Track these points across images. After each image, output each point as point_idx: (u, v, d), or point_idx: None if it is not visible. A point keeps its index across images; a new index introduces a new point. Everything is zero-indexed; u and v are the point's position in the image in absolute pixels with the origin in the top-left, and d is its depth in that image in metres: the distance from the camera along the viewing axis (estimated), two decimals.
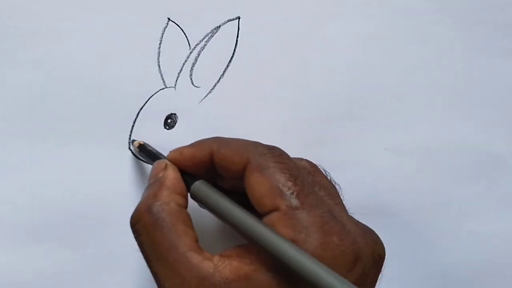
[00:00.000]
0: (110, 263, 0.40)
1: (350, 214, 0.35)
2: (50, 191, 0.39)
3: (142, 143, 0.39)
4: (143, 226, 0.33)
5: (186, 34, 0.41)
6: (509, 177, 0.46)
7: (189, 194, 0.35)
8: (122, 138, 0.40)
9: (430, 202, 0.45)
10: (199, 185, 0.34)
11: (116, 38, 0.40)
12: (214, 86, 0.41)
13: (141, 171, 0.41)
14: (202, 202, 0.34)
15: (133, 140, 0.40)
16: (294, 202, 0.31)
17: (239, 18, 0.41)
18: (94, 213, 0.40)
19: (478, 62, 0.45)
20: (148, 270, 0.40)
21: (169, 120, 0.41)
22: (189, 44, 0.41)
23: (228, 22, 0.41)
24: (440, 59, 0.45)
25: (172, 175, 0.35)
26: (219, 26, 0.41)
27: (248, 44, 0.42)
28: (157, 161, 0.37)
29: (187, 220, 0.33)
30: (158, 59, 0.40)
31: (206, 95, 0.41)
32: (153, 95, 0.40)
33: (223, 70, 0.41)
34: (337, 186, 0.37)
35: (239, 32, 0.42)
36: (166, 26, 0.40)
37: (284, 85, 0.43)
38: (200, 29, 0.41)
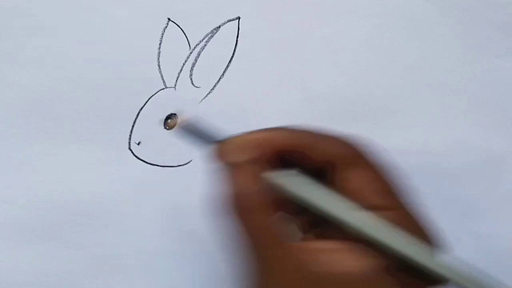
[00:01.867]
0: (110, 263, 0.40)
1: None
2: (50, 191, 0.39)
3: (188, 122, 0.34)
4: (243, 207, 0.30)
5: (186, 34, 0.41)
6: (510, 177, 0.46)
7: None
8: (122, 138, 0.40)
9: (430, 202, 0.45)
10: (297, 176, 0.31)
11: (116, 38, 0.40)
12: (214, 86, 0.41)
13: (141, 171, 0.41)
14: (294, 194, 0.31)
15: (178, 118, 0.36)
16: (383, 201, 0.31)
17: (239, 18, 0.41)
18: (94, 213, 0.40)
19: (478, 62, 0.45)
20: (147, 270, 0.40)
21: (169, 120, 0.41)
22: (189, 44, 0.41)
23: (228, 22, 0.41)
24: (440, 59, 0.45)
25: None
26: (219, 26, 0.41)
27: (248, 44, 0.42)
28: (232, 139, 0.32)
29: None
30: (158, 59, 0.40)
31: (206, 95, 0.41)
32: (153, 95, 0.40)
33: (223, 70, 0.41)
34: None
35: (239, 32, 0.42)
36: (166, 26, 0.40)
37: (284, 85, 0.43)
38: (200, 29, 0.41)
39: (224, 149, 0.32)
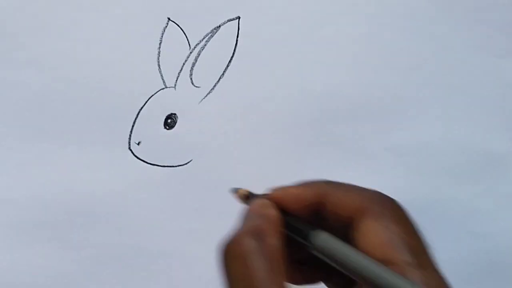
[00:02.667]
0: (110, 263, 0.40)
1: None
2: (50, 191, 0.39)
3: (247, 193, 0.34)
4: (241, 253, 0.29)
5: (186, 34, 0.41)
6: (509, 177, 0.46)
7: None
8: (122, 138, 0.40)
9: (430, 202, 0.45)
10: (326, 237, 0.30)
11: (116, 38, 0.40)
12: (214, 86, 0.41)
13: (141, 171, 0.41)
14: (328, 255, 0.30)
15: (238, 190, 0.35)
16: (409, 258, 0.29)
17: (239, 18, 0.41)
18: (94, 213, 0.40)
19: (478, 62, 0.45)
20: (147, 270, 0.40)
21: (169, 120, 0.41)
22: (189, 44, 0.41)
23: (228, 22, 0.41)
24: (440, 59, 0.45)
25: (274, 213, 0.31)
26: (219, 26, 0.41)
27: (248, 44, 0.42)
28: (260, 198, 0.33)
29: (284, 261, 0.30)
30: (158, 59, 0.40)
31: (206, 95, 0.41)
32: (153, 95, 0.40)
33: (223, 70, 0.41)
34: None
35: (239, 32, 0.42)
36: (166, 26, 0.40)
37: (284, 85, 0.43)
38: (200, 29, 0.41)
39: (257, 203, 0.32)
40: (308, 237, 0.30)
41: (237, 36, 0.41)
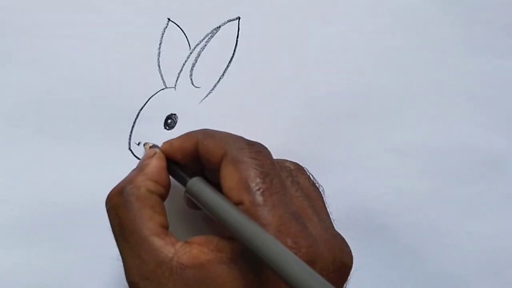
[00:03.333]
0: (110, 263, 0.40)
1: (330, 220, 0.35)
2: (50, 191, 0.39)
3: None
4: (113, 206, 0.34)
5: (186, 34, 0.41)
6: (509, 177, 0.46)
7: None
8: (122, 138, 0.40)
9: (430, 202, 0.45)
10: (194, 181, 0.34)
11: (116, 38, 0.40)
12: (214, 86, 0.41)
13: None
14: (194, 197, 0.34)
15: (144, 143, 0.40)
16: (258, 198, 0.32)
17: (239, 18, 0.41)
18: (94, 213, 0.40)
19: (478, 62, 0.45)
20: None
21: (169, 120, 0.41)
22: (189, 44, 0.41)
23: (228, 22, 0.41)
24: (440, 59, 0.45)
25: (154, 163, 0.36)
26: (219, 26, 0.41)
27: (248, 44, 0.42)
28: (149, 149, 0.38)
29: (157, 206, 0.34)
30: (158, 59, 0.40)
31: (206, 95, 0.41)
32: (153, 95, 0.40)
33: (223, 70, 0.41)
34: (320, 189, 0.37)
35: (239, 32, 0.42)
36: (166, 26, 0.40)
37: (284, 85, 0.43)
38: (200, 29, 0.41)
39: (144, 155, 0.37)
40: (185, 182, 0.35)
41: (237, 37, 0.41)
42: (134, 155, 0.40)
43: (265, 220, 0.31)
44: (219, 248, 0.32)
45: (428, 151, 0.45)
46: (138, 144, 0.40)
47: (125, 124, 0.40)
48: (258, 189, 0.32)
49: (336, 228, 0.35)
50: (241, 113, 0.42)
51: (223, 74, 0.41)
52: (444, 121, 0.45)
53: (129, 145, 0.40)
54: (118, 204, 0.34)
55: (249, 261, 0.31)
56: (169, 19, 0.40)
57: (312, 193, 0.36)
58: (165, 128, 0.41)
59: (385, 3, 0.44)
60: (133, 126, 0.40)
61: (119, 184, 0.35)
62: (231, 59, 0.41)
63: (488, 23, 0.45)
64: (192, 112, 0.41)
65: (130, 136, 0.40)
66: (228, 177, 0.33)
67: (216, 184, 0.34)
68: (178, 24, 0.40)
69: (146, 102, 0.40)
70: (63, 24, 0.39)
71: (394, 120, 0.44)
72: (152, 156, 0.36)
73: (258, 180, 0.32)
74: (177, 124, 0.41)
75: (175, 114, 0.41)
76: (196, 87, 0.41)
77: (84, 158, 0.40)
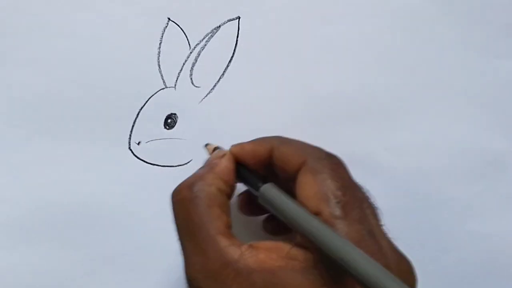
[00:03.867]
0: (110, 263, 0.40)
1: (391, 240, 0.34)
2: (50, 191, 0.39)
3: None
4: (181, 200, 0.34)
5: (186, 34, 0.41)
6: (509, 177, 0.46)
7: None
8: (122, 138, 0.40)
9: (430, 202, 0.45)
10: (268, 187, 0.34)
11: (116, 38, 0.40)
12: (214, 86, 0.41)
13: (141, 171, 0.41)
14: (269, 204, 0.34)
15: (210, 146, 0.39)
16: (337, 211, 0.31)
17: (239, 18, 0.41)
18: (94, 213, 0.40)
19: (478, 62, 0.45)
20: (147, 269, 0.40)
21: (169, 120, 0.41)
22: (189, 44, 0.41)
23: (228, 22, 0.41)
24: (440, 59, 0.45)
25: (224, 163, 0.35)
26: (219, 26, 0.41)
27: (248, 44, 0.42)
28: (217, 150, 0.37)
29: (224, 206, 0.34)
30: (158, 59, 0.40)
31: (206, 95, 0.41)
32: (153, 95, 0.40)
33: (223, 70, 0.41)
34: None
35: (239, 32, 0.42)
36: (166, 26, 0.40)
37: (284, 85, 0.43)
38: (200, 29, 0.41)
39: (213, 155, 0.37)
40: (257, 188, 0.34)
41: (237, 36, 0.41)
42: (134, 155, 0.40)
43: (344, 234, 0.30)
44: (291, 256, 0.31)
45: (428, 151, 0.45)
46: (138, 143, 0.40)
47: (125, 124, 0.40)
48: (338, 202, 0.31)
49: None
50: (241, 112, 0.42)
51: (223, 74, 0.41)
52: (444, 121, 0.45)
53: (129, 145, 0.40)
54: (186, 199, 0.33)
55: (324, 272, 0.30)
56: (169, 19, 0.40)
57: (377, 212, 0.35)
58: (165, 127, 0.41)
59: (385, 3, 0.44)
60: (133, 126, 0.40)
61: (188, 179, 0.35)
62: (231, 59, 0.41)
63: (488, 23, 0.45)
64: (192, 111, 0.41)
65: (130, 136, 0.40)
66: (307, 186, 0.32)
67: (286, 191, 0.34)
68: (178, 24, 0.40)
69: (146, 102, 0.40)
70: (63, 24, 0.39)
71: (394, 120, 0.44)
72: (222, 156, 0.36)
73: (338, 193, 0.32)
74: (177, 124, 0.41)
75: (175, 114, 0.41)
76: (196, 86, 0.41)
77: (84, 158, 0.40)
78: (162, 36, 0.40)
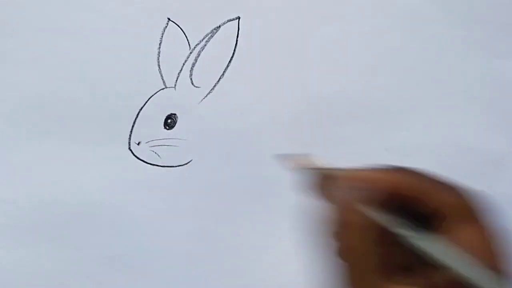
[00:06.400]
0: (110, 263, 0.40)
1: None
2: (50, 191, 0.39)
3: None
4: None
5: (186, 34, 0.41)
6: (510, 177, 0.46)
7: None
8: (122, 138, 0.40)
9: None
10: (424, 237, 0.29)
11: (116, 38, 0.40)
12: (214, 86, 0.41)
13: (141, 171, 0.41)
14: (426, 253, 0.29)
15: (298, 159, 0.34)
16: (505, 266, 0.29)
17: (239, 18, 0.41)
18: (94, 213, 0.40)
19: (478, 62, 0.45)
20: (147, 270, 0.40)
21: (169, 120, 0.41)
22: (189, 44, 0.41)
23: (228, 22, 0.41)
24: (440, 59, 0.45)
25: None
26: (219, 26, 0.41)
27: (248, 44, 0.42)
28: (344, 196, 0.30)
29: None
30: (158, 59, 0.40)
31: (206, 95, 0.41)
32: (153, 95, 0.40)
33: (223, 70, 0.41)
34: None
35: (239, 32, 0.42)
36: (166, 26, 0.40)
37: (284, 85, 0.42)
38: (200, 29, 0.41)
39: (332, 183, 0.30)
40: (398, 229, 0.29)
41: (237, 36, 0.41)
42: (134, 155, 0.40)
43: None
44: None
45: (428, 151, 0.45)
46: (138, 143, 0.40)
47: (125, 124, 0.40)
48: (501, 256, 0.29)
49: None
50: (241, 113, 0.42)
51: (223, 74, 0.41)
52: (444, 121, 0.45)
53: (129, 145, 0.40)
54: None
55: None
56: (169, 19, 0.40)
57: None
58: (165, 127, 0.41)
59: (385, 3, 0.44)
60: (133, 126, 0.40)
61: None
62: (231, 59, 0.41)
63: (488, 23, 0.45)
64: (192, 111, 0.41)
65: (130, 136, 0.40)
66: (469, 237, 0.29)
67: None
68: (178, 24, 0.40)
69: (146, 102, 0.40)
70: (63, 24, 0.39)
71: (394, 120, 0.44)
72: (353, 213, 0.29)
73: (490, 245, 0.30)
74: (177, 124, 0.41)
75: (175, 114, 0.41)
76: (196, 87, 0.41)
77: (84, 158, 0.40)
78: (162, 36, 0.40)
